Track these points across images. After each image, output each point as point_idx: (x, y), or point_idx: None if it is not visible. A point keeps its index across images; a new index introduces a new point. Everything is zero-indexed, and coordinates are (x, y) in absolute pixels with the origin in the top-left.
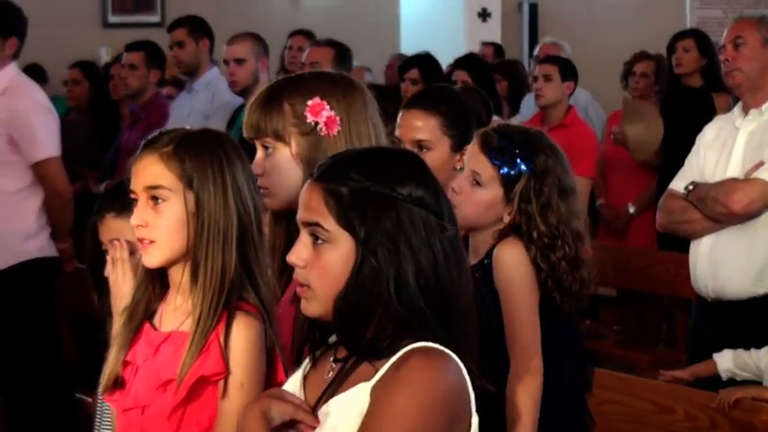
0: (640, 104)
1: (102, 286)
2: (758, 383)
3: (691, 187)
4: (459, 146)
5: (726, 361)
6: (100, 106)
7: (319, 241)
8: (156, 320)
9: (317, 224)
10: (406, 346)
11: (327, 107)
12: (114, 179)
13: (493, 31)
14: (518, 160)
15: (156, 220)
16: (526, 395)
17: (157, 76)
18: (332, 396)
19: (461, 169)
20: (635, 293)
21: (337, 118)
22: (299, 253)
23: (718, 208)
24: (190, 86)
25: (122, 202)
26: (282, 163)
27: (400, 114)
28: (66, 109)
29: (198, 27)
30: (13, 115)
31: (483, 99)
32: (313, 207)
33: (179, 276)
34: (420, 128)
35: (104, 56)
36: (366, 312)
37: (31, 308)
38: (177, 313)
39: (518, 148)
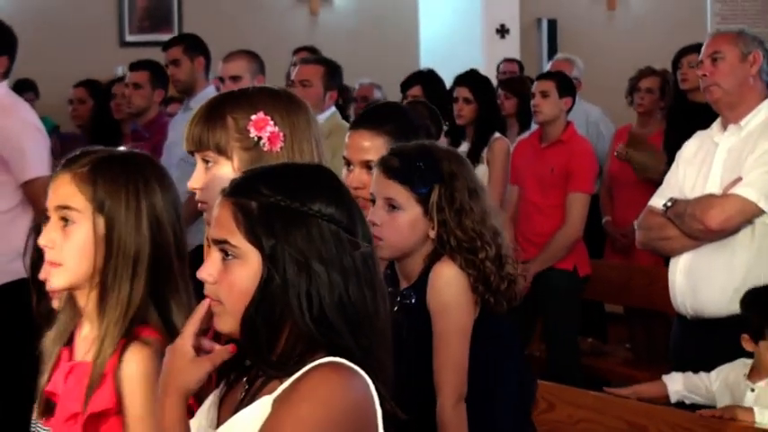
0: (645, 138)
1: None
2: (710, 407)
3: (669, 204)
4: None
5: (675, 383)
6: (100, 125)
7: (229, 257)
8: (72, 347)
9: (225, 241)
10: (314, 361)
11: (271, 122)
12: None
13: (511, 48)
14: (425, 173)
15: (64, 241)
16: (457, 418)
17: (161, 96)
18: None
19: (373, 201)
20: (642, 311)
21: (281, 134)
22: (209, 268)
23: (696, 224)
24: (186, 105)
25: None
26: (223, 177)
27: (348, 135)
28: (53, 127)
29: (193, 45)
30: (3, 135)
31: (431, 113)
32: (222, 223)
33: (84, 301)
34: (368, 148)
35: (121, 74)
36: (273, 328)
37: (13, 329)
38: (85, 341)
39: (420, 161)
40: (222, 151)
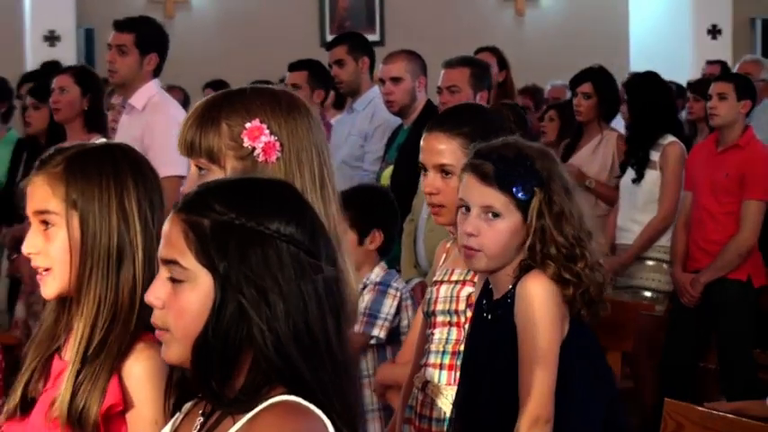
0: None
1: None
2: None
3: None
4: None
5: None
6: None
7: (177, 280)
8: (63, 349)
9: (174, 261)
10: (269, 398)
11: (267, 131)
12: None
13: (723, 48)
14: (526, 177)
15: (47, 245)
16: None
17: (321, 96)
18: None
19: (465, 209)
20: None
21: (277, 144)
22: (156, 291)
23: None
24: (350, 106)
25: None
26: None
27: (423, 137)
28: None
29: (357, 45)
30: (149, 131)
31: (516, 115)
32: (172, 242)
33: (74, 304)
34: (442, 151)
35: None
36: (227, 359)
37: None
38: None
39: (518, 164)
40: (215, 159)
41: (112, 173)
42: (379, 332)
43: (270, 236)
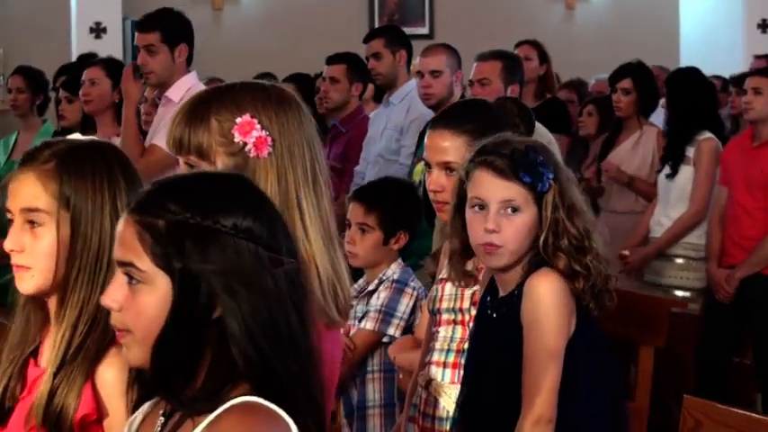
0: None
1: None
2: None
3: None
4: None
5: None
6: None
7: (134, 281)
8: (39, 353)
9: (130, 264)
10: (230, 398)
11: (258, 126)
12: None
13: None
14: (543, 169)
15: (34, 244)
16: None
17: (359, 89)
18: None
19: (479, 207)
20: None
21: (268, 138)
22: (113, 294)
23: None
24: (387, 100)
25: None
26: None
27: (427, 135)
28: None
29: (395, 38)
30: None
31: (522, 110)
32: (127, 244)
33: (51, 306)
34: (447, 148)
35: None
36: (187, 360)
37: None
38: (50, 349)
39: (532, 157)
40: (204, 156)
41: (106, 172)
42: (394, 331)
43: (226, 233)
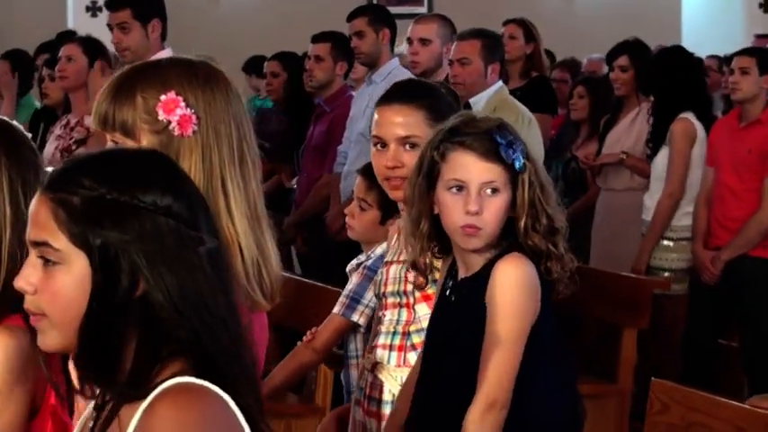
0: None
1: None
2: None
3: None
4: None
5: None
6: (293, 99)
7: (50, 263)
8: None
9: (45, 243)
10: (164, 380)
11: (183, 104)
12: (299, 175)
13: None
14: (520, 148)
15: None
16: (481, 428)
17: (344, 69)
18: None
19: (457, 188)
20: None
21: (193, 117)
22: (28, 277)
23: None
24: (370, 78)
25: None
26: None
27: (376, 111)
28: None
29: (378, 17)
30: None
31: (449, 90)
32: (41, 223)
33: None
34: (405, 123)
35: None
36: (110, 343)
37: None
38: None
39: (508, 136)
40: (129, 133)
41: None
42: (358, 318)
43: (145, 209)
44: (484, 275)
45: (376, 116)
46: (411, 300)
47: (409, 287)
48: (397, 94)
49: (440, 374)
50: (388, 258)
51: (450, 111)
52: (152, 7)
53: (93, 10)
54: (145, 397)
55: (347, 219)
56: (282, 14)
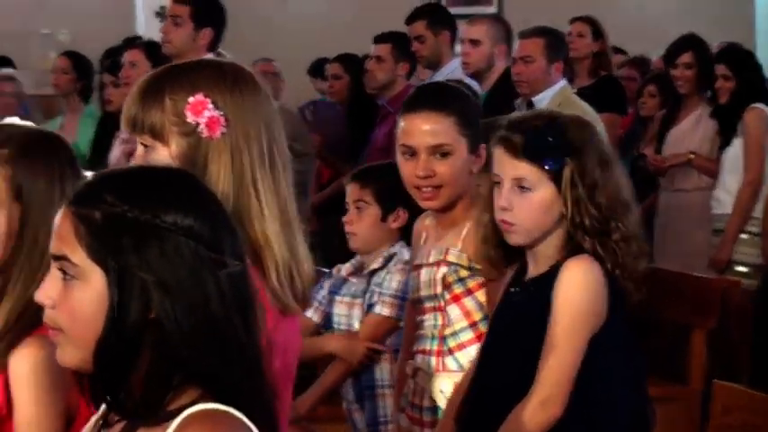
0: None
1: None
2: None
3: None
4: (474, 146)
5: None
6: (356, 101)
7: (68, 277)
8: None
9: (64, 257)
10: (186, 407)
11: (211, 106)
12: None
13: None
14: (554, 147)
15: None
16: (528, 423)
17: (406, 69)
18: None
19: (496, 183)
20: None
21: (222, 118)
22: (47, 290)
23: None
24: (431, 80)
25: None
26: (160, 163)
27: (403, 119)
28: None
29: (437, 19)
30: None
31: (474, 93)
32: (62, 236)
33: None
34: (436, 131)
35: None
36: (126, 363)
37: None
38: None
39: (548, 134)
40: (158, 136)
41: (57, 164)
42: None
43: (166, 229)
44: (551, 276)
45: (402, 123)
46: (441, 303)
47: (438, 289)
48: (424, 100)
49: (498, 372)
50: (418, 261)
51: (480, 113)
52: (211, 16)
53: (162, 16)
54: (164, 422)
55: (346, 228)
56: (350, 17)
